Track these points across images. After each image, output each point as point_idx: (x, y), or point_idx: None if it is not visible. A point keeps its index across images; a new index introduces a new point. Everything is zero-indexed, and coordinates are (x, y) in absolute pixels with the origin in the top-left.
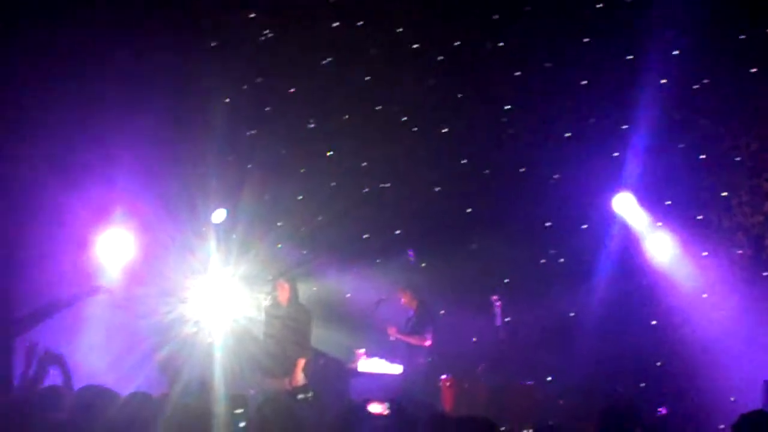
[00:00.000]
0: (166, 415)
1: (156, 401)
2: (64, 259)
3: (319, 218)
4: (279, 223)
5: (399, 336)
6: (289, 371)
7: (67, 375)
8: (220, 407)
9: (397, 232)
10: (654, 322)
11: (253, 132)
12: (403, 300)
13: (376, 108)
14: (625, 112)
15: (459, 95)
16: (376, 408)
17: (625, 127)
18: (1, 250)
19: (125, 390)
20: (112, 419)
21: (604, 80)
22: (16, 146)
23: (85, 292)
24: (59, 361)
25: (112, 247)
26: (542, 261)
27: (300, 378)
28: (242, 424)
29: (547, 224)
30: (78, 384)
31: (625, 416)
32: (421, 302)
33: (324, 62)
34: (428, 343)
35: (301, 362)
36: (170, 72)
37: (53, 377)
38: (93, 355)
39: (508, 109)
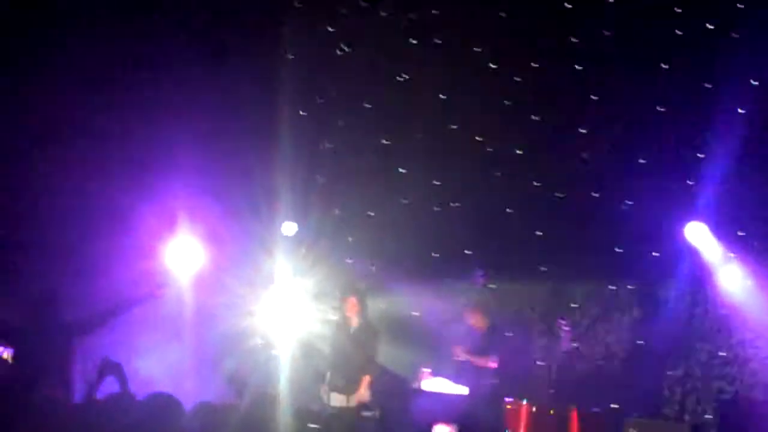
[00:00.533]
0: (234, 427)
1: (222, 412)
2: (129, 266)
3: (389, 234)
4: (349, 239)
5: (465, 356)
6: (354, 388)
7: (124, 384)
8: (289, 421)
9: (467, 252)
10: (723, 354)
11: (327, 145)
12: (471, 320)
13: (451, 127)
14: (700, 141)
15: (534, 117)
16: (442, 430)
17: (701, 155)
18: (65, 256)
19: (184, 398)
20: (179, 428)
21: (681, 108)
22: (82, 152)
23: (146, 294)
24: (117, 369)
25: (180, 255)
26: (612, 287)
27: (365, 395)
28: None
29: (618, 250)
30: (135, 389)
31: None
32: (490, 323)
33: (399, 78)
34: (494, 364)
35: (367, 379)
36: (242, 81)
37: (110, 385)
38: (152, 361)
39: (582, 133)
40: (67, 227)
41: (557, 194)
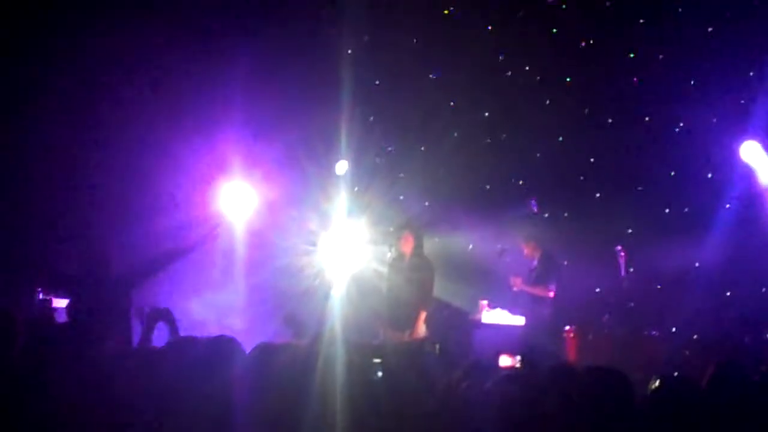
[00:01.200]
0: (295, 366)
1: (283, 352)
2: (183, 211)
3: (442, 169)
4: (401, 175)
5: (523, 287)
6: (411, 323)
7: (174, 330)
8: (349, 358)
9: (520, 182)
10: None
11: (376, 83)
12: (525, 250)
13: (500, 58)
14: (753, 59)
15: (582, 44)
16: (506, 360)
17: (751, 73)
18: (120, 205)
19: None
20: (240, 370)
21: (731, 25)
22: (134, 98)
23: (200, 238)
24: (166, 316)
25: (234, 198)
26: (666, 210)
27: (422, 330)
28: (380, 374)
29: (672, 173)
30: (192, 332)
31: (743, 368)
32: (544, 253)
33: (446, 12)
34: (552, 294)
35: (423, 314)
36: (294, 23)
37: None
38: (209, 304)
39: (632, 57)
40: (121, 176)
41: (608, 120)
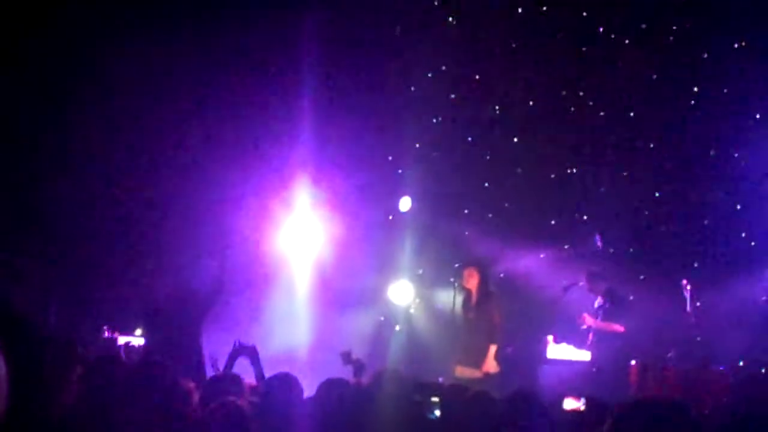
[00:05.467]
0: (358, 403)
1: (347, 389)
2: (251, 247)
3: (506, 205)
4: (465, 211)
5: (592, 324)
6: (480, 359)
7: (258, 366)
8: (412, 395)
9: (584, 218)
10: None
11: (438, 119)
12: (589, 287)
13: (563, 93)
14: None
15: (653, 77)
16: (571, 404)
17: None
18: (189, 239)
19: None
20: (300, 406)
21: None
22: (205, 135)
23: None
24: (250, 352)
25: (299, 234)
26: (732, 244)
27: (492, 365)
28: (437, 413)
29: (738, 206)
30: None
31: None
32: (608, 289)
33: (510, 48)
34: (620, 329)
35: (492, 349)
36: (353, 58)
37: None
38: (268, 342)
39: (695, 90)
40: (188, 213)
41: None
